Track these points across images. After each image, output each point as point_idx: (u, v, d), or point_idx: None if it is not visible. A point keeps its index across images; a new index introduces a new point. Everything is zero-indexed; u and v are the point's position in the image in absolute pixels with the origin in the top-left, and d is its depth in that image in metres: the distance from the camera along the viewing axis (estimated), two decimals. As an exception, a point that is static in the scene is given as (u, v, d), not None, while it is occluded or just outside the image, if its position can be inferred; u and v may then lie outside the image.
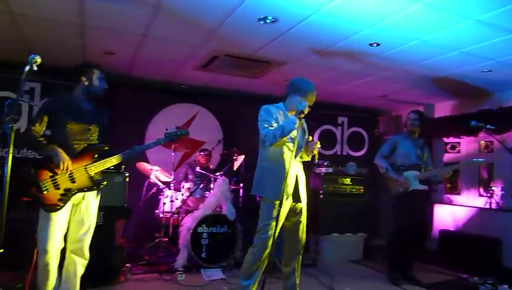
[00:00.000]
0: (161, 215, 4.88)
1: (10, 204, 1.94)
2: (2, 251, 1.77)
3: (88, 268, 3.49)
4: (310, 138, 3.22)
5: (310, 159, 3.31)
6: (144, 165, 4.99)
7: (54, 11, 3.31)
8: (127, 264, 4.02)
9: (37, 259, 2.63)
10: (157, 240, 4.81)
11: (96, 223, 3.63)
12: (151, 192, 5.05)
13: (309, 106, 3.01)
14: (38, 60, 2.10)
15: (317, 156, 3.20)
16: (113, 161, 2.88)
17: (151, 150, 5.63)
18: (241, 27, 3.52)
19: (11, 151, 1.84)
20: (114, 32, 3.73)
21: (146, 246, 4.85)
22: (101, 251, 3.65)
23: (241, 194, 5.23)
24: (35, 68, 2.07)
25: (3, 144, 3.71)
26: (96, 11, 3.28)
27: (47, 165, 2.60)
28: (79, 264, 2.88)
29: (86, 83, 2.93)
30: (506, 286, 3.90)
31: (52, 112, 2.76)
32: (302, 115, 2.89)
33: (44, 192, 2.55)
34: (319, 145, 3.18)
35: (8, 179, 1.86)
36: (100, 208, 3.65)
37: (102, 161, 2.83)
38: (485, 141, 5.56)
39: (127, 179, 3.98)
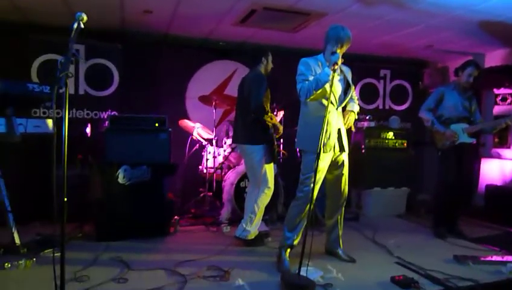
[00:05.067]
0: (205, 170, 5.02)
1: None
2: (66, 199, 1.89)
3: (141, 221, 3.75)
4: (351, 123, 3.27)
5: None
6: (186, 123, 5.10)
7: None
8: (176, 217, 4.23)
9: None
10: (202, 195, 5.00)
11: (144, 178, 3.87)
12: (194, 148, 5.18)
13: (345, 56, 2.93)
14: (85, 17, 2.12)
15: (353, 128, 3.23)
16: None
17: (193, 108, 5.78)
18: (281, -23, 3.40)
19: (67, 108, 1.93)
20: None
21: (192, 200, 5.06)
22: (151, 205, 3.87)
23: (281, 149, 5.26)
24: (82, 26, 2.11)
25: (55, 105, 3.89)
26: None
27: None
28: None
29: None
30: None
31: None
32: (336, 66, 2.81)
33: None
34: (354, 117, 3.25)
35: (66, 137, 1.95)
36: (147, 165, 3.86)
37: None
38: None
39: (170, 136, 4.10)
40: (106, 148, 3.88)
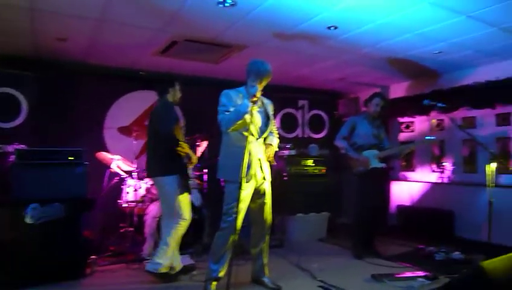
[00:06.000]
0: (125, 204, 4.78)
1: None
2: None
3: (52, 264, 3.41)
4: (271, 156, 3.35)
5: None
6: (103, 155, 4.85)
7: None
8: (93, 256, 3.93)
9: None
10: (122, 230, 4.73)
11: (57, 216, 3.56)
12: (113, 182, 4.93)
13: (266, 88, 3.06)
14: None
15: (273, 161, 3.37)
16: None
17: (112, 139, 5.53)
18: (201, 11, 3.47)
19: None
20: (67, 16, 3.56)
21: (111, 237, 4.76)
22: (65, 246, 3.58)
23: (205, 180, 5.22)
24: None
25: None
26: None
27: None
28: None
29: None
30: (458, 253, 4.21)
31: None
32: (255, 99, 2.93)
33: None
34: (274, 150, 3.37)
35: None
36: (61, 201, 3.57)
37: None
38: (437, 120, 5.86)
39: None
40: (12, 184, 3.53)
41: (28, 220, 3.44)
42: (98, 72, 5.46)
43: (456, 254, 4.18)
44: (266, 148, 3.31)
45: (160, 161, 3.52)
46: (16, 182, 3.54)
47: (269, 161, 3.34)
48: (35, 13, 3.46)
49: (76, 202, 3.72)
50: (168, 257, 3.50)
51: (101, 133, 5.56)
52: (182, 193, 3.50)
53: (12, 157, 3.87)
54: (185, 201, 3.55)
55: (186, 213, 3.56)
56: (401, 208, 6.01)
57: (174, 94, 3.75)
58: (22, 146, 4.52)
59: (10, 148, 4.51)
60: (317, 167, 5.78)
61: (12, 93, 4.74)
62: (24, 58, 4.78)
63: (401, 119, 6.38)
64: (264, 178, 3.26)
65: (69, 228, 3.62)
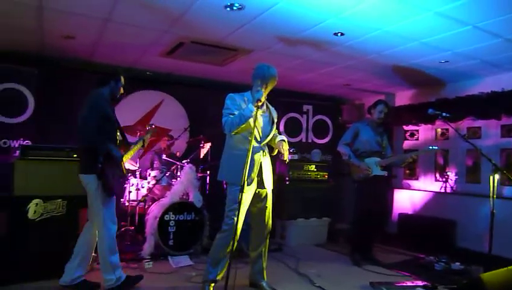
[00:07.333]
0: (127, 203, 4.81)
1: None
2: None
3: (52, 260, 3.42)
4: (286, 157, 3.31)
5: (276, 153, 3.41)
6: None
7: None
8: (93, 254, 3.94)
9: None
10: (123, 229, 4.74)
11: (59, 212, 3.58)
12: (116, 180, 4.95)
13: (271, 92, 3.06)
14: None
15: (286, 157, 3.31)
16: None
17: (116, 138, 5.55)
18: (208, 14, 3.49)
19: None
20: (75, 15, 3.60)
21: (111, 235, 4.77)
22: (65, 242, 3.59)
23: (207, 182, 5.24)
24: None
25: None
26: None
27: None
28: None
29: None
30: (459, 263, 4.18)
31: None
32: (260, 103, 2.94)
33: None
34: (287, 146, 3.30)
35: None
36: (62, 197, 3.59)
37: None
38: (442, 129, 5.84)
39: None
40: (15, 180, 3.55)
41: (30, 215, 3.47)
42: (103, 70, 5.49)
43: (456, 265, 4.15)
44: (280, 145, 3.28)
45: (81, 157, 3.31)
46: (19, 177, 3.56)
47: (284, 160, 3.34)
48: (45, 11, 3.50)
49: (78, 199, 3.73)
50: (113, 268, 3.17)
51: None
52: (106, 195, 3.11)
53: (16, 153, 3.91)
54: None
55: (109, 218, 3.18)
56: (403, 216, 5.98)
57: (114, 89, 3.35)
58: (27, 142, 4.57)
59: (15, 143, 4.56)
60: (320, 173, 5.78)
61: (20, 89, 4.77)
62: (30, 54, 4.83)
63: (405, 127, 6.37)
64: (264, 182, 3.25)
65: (69, 225, 3.63)
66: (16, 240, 3.42)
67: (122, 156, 3.27)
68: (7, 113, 4.71)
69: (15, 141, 4.65)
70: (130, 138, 4.94)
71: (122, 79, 3.38)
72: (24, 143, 4.54)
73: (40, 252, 3.46)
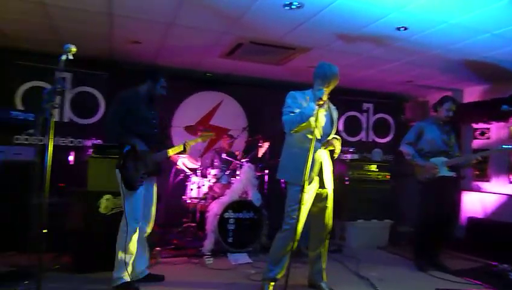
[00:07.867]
0: (188, 201, 4.98)
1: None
2: (45, 231, 1.86)
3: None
4: (337, 152, 3.25)
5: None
6: (171, 152, 5.08)
7: (83, 1, 3.39)
8: (157, 248, 4.14)
9: None
10: (185, 225, 4.93)
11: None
12: (179, 178, 5.15)
13: (332, 91, 3.01)
14: (73, 49, 2.17)
15: (336, 153, 3.24)
16: None
17: (178, 137, 5.78)
18: (267, 13, 3.52)
19: (52, 137, 1.93)
20: (141, 21, 3.80)
21: (174, 230, 4.98)
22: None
23: (266, 180, 5.28)
24: (70, 57, 2.15)
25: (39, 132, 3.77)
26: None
27: None
28: None
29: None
30: (537, 274, 3.84)
31: None
32: (321, 102, 2.89)
33: None
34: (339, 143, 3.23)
35: (49, 165, 1.94)
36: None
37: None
38: (517, 127, 5.40)
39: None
40: (88, 176, 3.83)
41: (102, 210, 3.72)
42: (166, 73, 5.73)
43: (534, 274, 3.83)
44: (332, 141, 3.22)
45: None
46: (92, 174, 3.83)
47: (333, 157, 3.29)
48: (114, 18, 3.73)
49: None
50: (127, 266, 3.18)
51: (168, 131, 5.84)
52: (128, 189, 3.11)
53: (89, 151, 4.20)
54: (136, 199, 3.19)
55: (135, 214, 3.18)
56: (473, 221, 5.61)
57: (151, 88, 3.38)
58: (98, 141, 4.90)
59: (89, 142, 4.91)
60: (381, 173, 5.59)
61: (93, 92, 5.14)
62: (100, 59, 5.17)
63: (475, 126, 5.96)
64: (325, 183, 3.21)
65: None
66: (90, 232, 3.67)
67: (147, 152, 3.24)
68: (82, 115, 5.10)
69: (88, 140, 5.00)
70: (191, 137, 5.18)
71: (163, 80, 3.41)
72: (96, 142, 4.87)
73: (110, 243, 3.66)
